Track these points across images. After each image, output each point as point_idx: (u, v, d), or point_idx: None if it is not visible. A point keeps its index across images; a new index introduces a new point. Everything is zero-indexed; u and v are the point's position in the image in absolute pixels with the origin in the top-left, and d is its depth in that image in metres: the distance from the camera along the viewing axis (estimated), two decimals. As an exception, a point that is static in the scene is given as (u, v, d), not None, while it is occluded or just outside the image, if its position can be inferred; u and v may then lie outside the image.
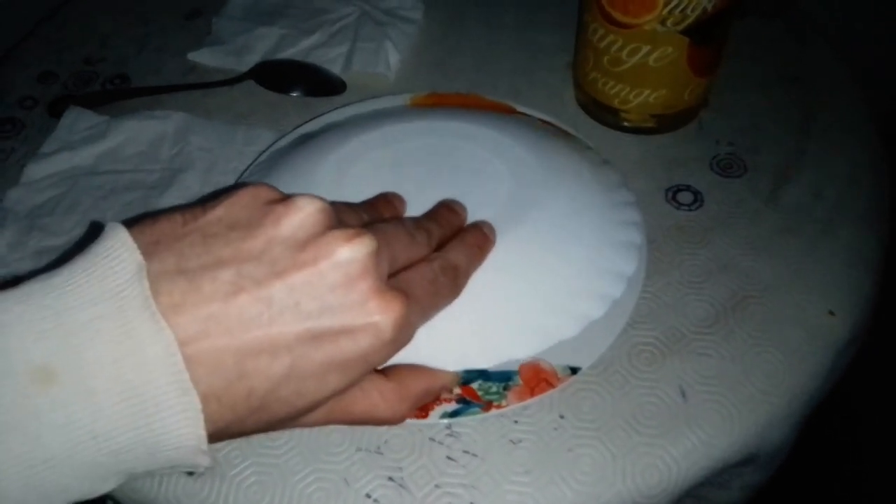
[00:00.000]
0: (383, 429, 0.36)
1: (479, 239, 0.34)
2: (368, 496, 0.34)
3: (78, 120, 0.52)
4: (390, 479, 0.34)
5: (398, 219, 0.34)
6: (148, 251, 0.23)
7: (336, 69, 0.56)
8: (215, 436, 0.23)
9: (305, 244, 0.24)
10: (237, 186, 0.26)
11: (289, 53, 0.58)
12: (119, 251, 0.23)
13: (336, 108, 0.51)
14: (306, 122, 0.50)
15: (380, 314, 0.25)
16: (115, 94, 0.55)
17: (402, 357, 0.28)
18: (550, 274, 0.36)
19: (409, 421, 0.34)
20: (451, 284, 0.31)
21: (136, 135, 0.51)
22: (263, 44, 0.59)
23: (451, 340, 0.32)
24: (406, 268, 0.29)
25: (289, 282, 0.24)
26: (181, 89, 0.55)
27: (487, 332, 0.33)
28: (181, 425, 0.22)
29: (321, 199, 0.26)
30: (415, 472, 0.34)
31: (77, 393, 0.21)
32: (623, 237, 0.38)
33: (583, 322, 0.35)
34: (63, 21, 0.64)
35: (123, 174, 0.49)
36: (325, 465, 0.35)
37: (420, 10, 0.62)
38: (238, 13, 0.62)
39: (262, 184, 0.26)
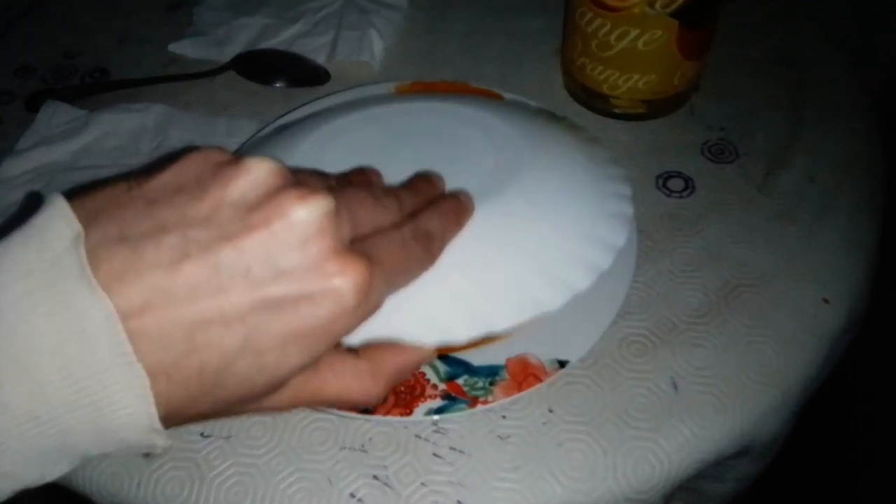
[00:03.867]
0: (367, 426, 0.35)
1: (454, 205, 0.32)
2: (353, 496, 0.33)
3: (56, 114, 0.51)
4: (375, 477, 0.33)
5: (366, 185, 0.32)
6: (89, 220, 0.22)
7: (320, 59, 0.55)
8: (170, 418, 0.22)
9: (256, 206, 0.23)
10: (188, 149, 0.25)
11: (271, 43, 0.57)
12: (56, 221, 0.21)
13: (319, 98, 0.50)
14: (289, 111, 0.49)
15: (339, 277, 0.23)
16: (94, 88, 0.54)
17: (374, 330, 0.26)
18: (534, 243, 0.34)
19: (393, 418, 0.34)
20: (424, 251, 0.29)
21: (115, 128, 0.50)
22: (245, 34, 0.57)
23: (426, 312, 0.30)
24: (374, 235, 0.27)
25: (238, 245, 0.22)
26: (161, 81, 0.54)
27: (465, 302, 0.31)
28: (129, 402, 0.20)
29: (275, 159, 0.24)
30: (400, 471, 0.33)
31: (12, 371, 0.20)
32: (612, 208, 0.36)
33: (567, 293, 0.32)
34: (42, 14, 0.63)
35: (102, 169, 0.48)
36: (308, 464, 0.34)
37: (405, -3, 0.61)
38: (219, 3, 0.61)
39: (214, 147, 0.25)
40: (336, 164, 0.37)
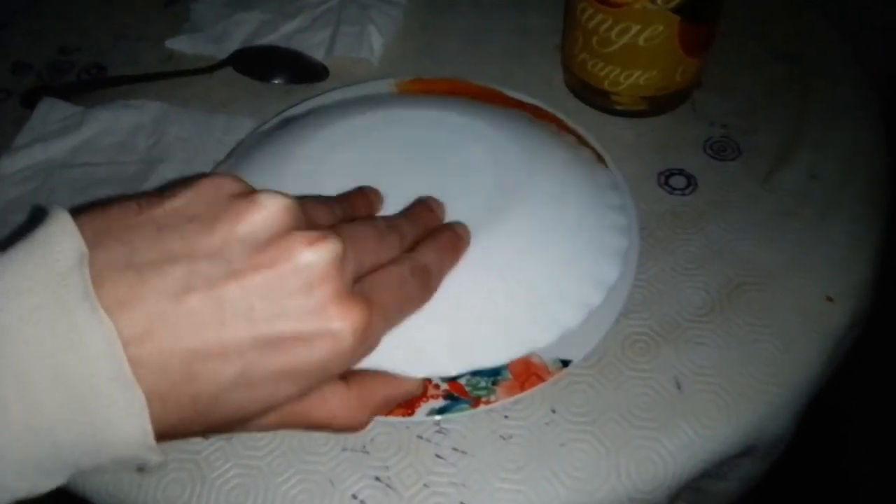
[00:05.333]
0: (369, 427, 0.34)
1: (452, 239, 0.33)
2: (355, 497, 0.33)
3: (52, 111, 0.51)
4: (377, 478, 0.33)
5: (370, 218, 0.32)
6: (96, 240, 0.22)
7: (318, 55, 0.55)
8: (161, 436, 0.22)
9: (265, 245, 0.23)
10: (201, 176, 0.25)
11: (269, 39, 0.56)
12: (60, 238, 0.21)
13: (318, 95, 0.49)
14: (287, 108, 0.48)
15: (339, 321, 0.23)
16: (91, 85, 0.54)
17: (366, 361, 0.27)
18: (527, 279, 0.34)
19: (395, 419, 0.33)
20: (421, 287, 0.29)
21: (112, 125, 0.50)
22: (243, 30, 0.57)
23: (417, 345, 0.30)
24: (374, 270, 0.27)
25: (244, 284, 0.22)
26: (159, 78, 0.54)
27: (456, 337, 0.32)
28: (125, 421, 0.21)
29: (287, 196, 0.24)
30: (402, 472, 0.33)
31: (12, 386, 0.20)
32: (607, 243, 0.37)
33: (557, 331, 0.33)
34: (37, 11, 0.62)
35: (100, 166, 0.48)
36: (310, 465, 0.34)
37: (404, -7, 0.60)
38: (217, -2, 0.60)
39: (229, 175, 0.25)
40: (337, 173, 0.37)
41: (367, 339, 0.25)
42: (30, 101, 0.52)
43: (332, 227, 0.25)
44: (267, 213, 0.23)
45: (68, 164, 0.48)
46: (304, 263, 0.23)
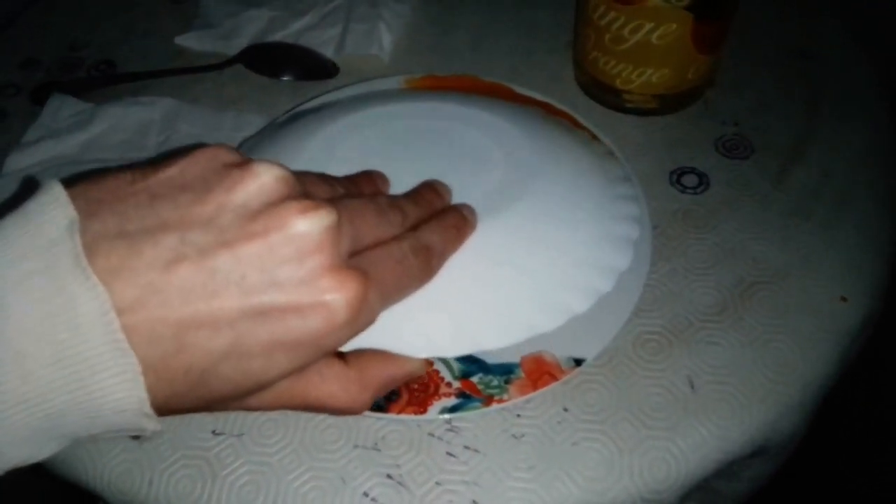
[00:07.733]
0: (380, 424, 0.34)
1: (457, 220, 0.32)
2: (366, 495, 0.32)
3: (62, 107, 0.51)
4: (389, 476, 0.33)
5: (372, 195, 0.32)
6: (90, 210, 0.22)
7: (328, 52, 0.55)
8: (155, 410, 0.22)
9: (258, 214, 0.23)
10: (197, 146, 0.24)
11: (279, 36, 0.56)
12: (52, 206, 0.21)
13: (328, 92, 0.49)
14: (297, 105, 0.48)
15: (332, 293, 0.23)
16: (100, 81, 0.54)
17: (365, 339, 0.26)
18: (534, 263, 0.33)
19: (407, 416, 0.33)
20: (422, 266, 0.29)
21: (122, 122, 0.50)
22: (253, 26, 0.57)
23: (419, 325, 0.30)
24: (374, 247, 0.27)
25: (236, 253, 0.22)
26: (168, 74, 0.53)
27: (459, 319, 0.31)
28: (120, 388, 0.20)
29: (282, 166, 0.24)
30: (414, 469, 0.33)
31: (3, 355, 0.20)
32: (618, 231, 0.36)
33: (564, 316, 0.32)
34: (47, 6, 0.62)
35: (109, 163, 0.48)
36: (321, 462, 0.33)
37: (414, -10, 0.60)
38: (226, -5, 0.60)
39: (224, 145, 0.25)
40: (346, 161, 0.37)
41: (362, 314, 0.24)
42: (39, 98, 0.52)
43: (331, 201, 0.25)
44: (261, 181, 0.23)
45: (78, 161, 0.48)
46: (297, 232, 0.23)
